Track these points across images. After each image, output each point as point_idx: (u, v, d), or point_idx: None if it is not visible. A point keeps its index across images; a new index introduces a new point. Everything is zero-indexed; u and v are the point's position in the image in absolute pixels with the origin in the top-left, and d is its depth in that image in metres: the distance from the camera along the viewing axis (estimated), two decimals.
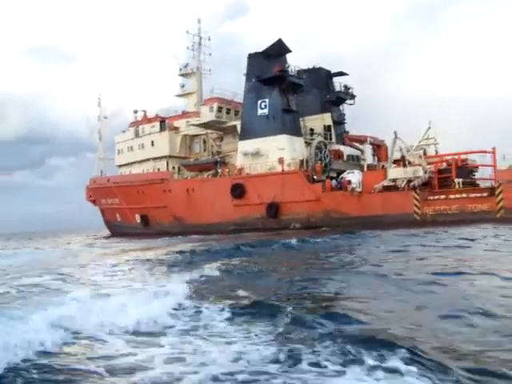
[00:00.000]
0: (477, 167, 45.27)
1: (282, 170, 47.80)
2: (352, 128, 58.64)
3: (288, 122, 49.67)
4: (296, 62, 60.75)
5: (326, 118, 55.24)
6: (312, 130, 55.07)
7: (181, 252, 23.31)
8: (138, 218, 58.13)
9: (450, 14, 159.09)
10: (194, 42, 60.10)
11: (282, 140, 48.83)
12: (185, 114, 58.39)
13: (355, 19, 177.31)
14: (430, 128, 49.30)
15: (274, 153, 48.87)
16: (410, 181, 42.93)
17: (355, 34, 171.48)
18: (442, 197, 41.45)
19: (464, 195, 40.67)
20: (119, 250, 31.21)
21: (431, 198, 41.76)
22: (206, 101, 55.13)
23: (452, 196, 41.21)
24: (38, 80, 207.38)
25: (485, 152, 45.76)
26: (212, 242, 32.88)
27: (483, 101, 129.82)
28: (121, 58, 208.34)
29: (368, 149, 52.92)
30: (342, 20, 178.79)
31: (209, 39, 61.30)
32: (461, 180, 41.81)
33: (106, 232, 67.21)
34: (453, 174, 42.40)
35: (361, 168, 49.70)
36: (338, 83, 57.28)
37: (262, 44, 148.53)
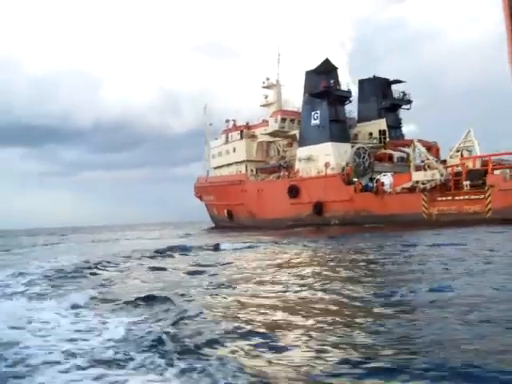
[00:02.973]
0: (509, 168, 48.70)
1: (325, 174, 55.19)
2: None
3: (334, 131, 56.71)
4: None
5: (382, 123, 61.00)
6: (371, 133, 61.40)
7: None
8: (225, 212, 68.73)
9: None
10: (274, 59, 68.74)
11: (328, 147, 56.09)
12: (264, 123, 67.40)
13: None
14: (469, 131, 53.46)
15: (322, 158, 56.33)
16: (423, 183, 48.16)
17: None
18: (449, 198, 46.26)
19: (464, 197, 45.19)
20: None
21: (439, 199, 46.78)
22: (273, 113, 64.12)
23: (457, 197, 45.89)
24: (206, 75, 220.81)
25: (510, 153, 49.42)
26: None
27: None
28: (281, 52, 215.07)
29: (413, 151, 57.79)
30: None
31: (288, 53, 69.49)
32: (468, 182, 46.11)
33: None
34: (462, 177, 46.90)
35: (408, 169, 55.41)
36: (396, 90, 62.70)
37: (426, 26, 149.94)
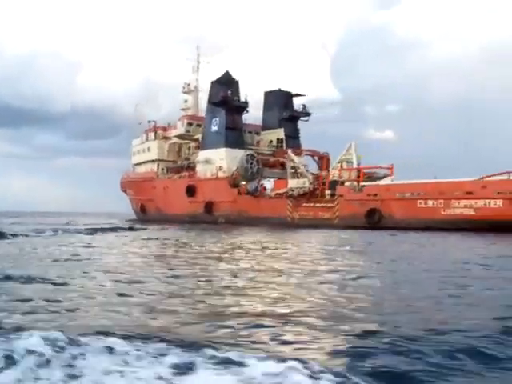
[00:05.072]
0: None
1: (216, 176, 60.52)
2: None
3: (230, 138, 62.00)
4: None
5: (280, 133, 66.34)
6: (271, 141, 66.77)
7: None
8: (139, 206, 73.86)
9: None
10: (193, 66, 73.72)
11: (222, 152, 61.39)
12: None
13: None
14: (350, 145, 58.70)
15: (218, 162, 61.64)
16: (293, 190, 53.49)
17: None
18: (310, 205, 51.66)
19: (321, 204, 50.61)
20: None
21: (303, 205, 52.16)
22: (181, 117, 69.45)
23: (317, 204, 51.31)
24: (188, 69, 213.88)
25: (381, 168, 54.86)
26: None
27: None
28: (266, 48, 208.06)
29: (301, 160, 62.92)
30: None
31: (208, 63, 74.44)
32: (329, 191, 51.51)
33: None
34: (325, 187, 52.30)
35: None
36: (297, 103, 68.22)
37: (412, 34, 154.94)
